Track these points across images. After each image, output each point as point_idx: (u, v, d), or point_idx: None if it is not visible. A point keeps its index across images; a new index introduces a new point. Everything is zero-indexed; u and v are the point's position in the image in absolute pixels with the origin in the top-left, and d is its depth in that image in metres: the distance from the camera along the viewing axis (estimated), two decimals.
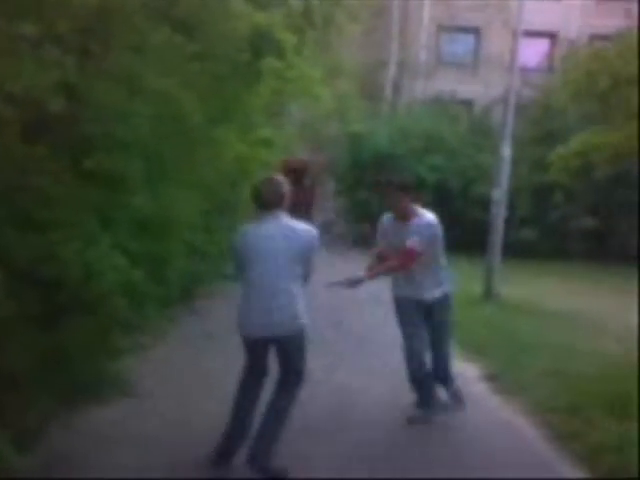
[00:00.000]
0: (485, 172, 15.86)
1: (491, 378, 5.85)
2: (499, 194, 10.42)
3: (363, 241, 18.25)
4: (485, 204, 12.02)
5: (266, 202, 3.75)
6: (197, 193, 6.31)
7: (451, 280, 4.79)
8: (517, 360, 6.24)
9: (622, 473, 3.82)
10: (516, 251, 13.74)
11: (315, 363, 4.25)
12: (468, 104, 21.95)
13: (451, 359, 4.89)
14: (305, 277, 3.79)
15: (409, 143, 18.29)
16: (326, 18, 10.28)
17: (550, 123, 17.74)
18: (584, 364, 6.04)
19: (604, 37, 13.71)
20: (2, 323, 3.80)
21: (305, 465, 3.81)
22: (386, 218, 4.74)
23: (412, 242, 4.40)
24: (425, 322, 4.65)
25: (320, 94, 10.61)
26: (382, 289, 5.25)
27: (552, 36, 22.77)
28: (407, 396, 4.78)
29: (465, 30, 23.64)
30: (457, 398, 4.81)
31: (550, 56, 22.76)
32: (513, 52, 10.77)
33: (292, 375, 3.77)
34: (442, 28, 23.49)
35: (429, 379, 4.68)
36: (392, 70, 23.06)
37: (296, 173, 21.92)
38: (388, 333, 7.46)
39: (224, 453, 3.74)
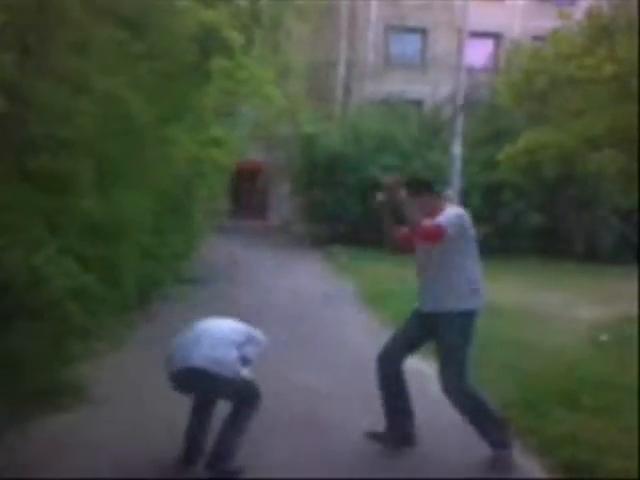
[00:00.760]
0: (437, 171, 16.07)
1: None
2: (451, 193, 10.56)
3: (320, 241, 18.32)
4: None
5: None
6: (148, 194, 6.17)
7: (475, 295, 4.00)
8: (473, 357, 6.28)
9: (578, 465, 3.87)
10: None
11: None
12: (417, 104, 22.21)
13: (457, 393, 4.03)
14: None
15: (361, 144, 18.39)
16: (274, 17, 10.23)
17: (498, 122, 18.06)
18: (538, 359, 6.14)
19: (546, 38, 14.02)
20: None
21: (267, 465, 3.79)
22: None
23: (441, 220, 3.77)
24: (426, 337, 4.12)
25: (271, 94, 10.56)
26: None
27: (496, 37, 23.26)
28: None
29: (412, 30, 23.93)
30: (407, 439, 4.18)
31: (495, 56, 23.23)
32: (459, 52, 10.95)
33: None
34: (390, 28, 23.72)
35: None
36: (341, 71, 23.15)
37: (250, 174, 21.85)
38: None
39: (188, 458, 3.73)
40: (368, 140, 18.46)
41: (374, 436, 4.17)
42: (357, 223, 17.70)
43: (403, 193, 3.83)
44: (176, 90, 6.95)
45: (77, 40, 4.99)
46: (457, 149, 10.48)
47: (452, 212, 3.90)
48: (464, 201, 12.55)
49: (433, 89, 21.11)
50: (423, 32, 23.89)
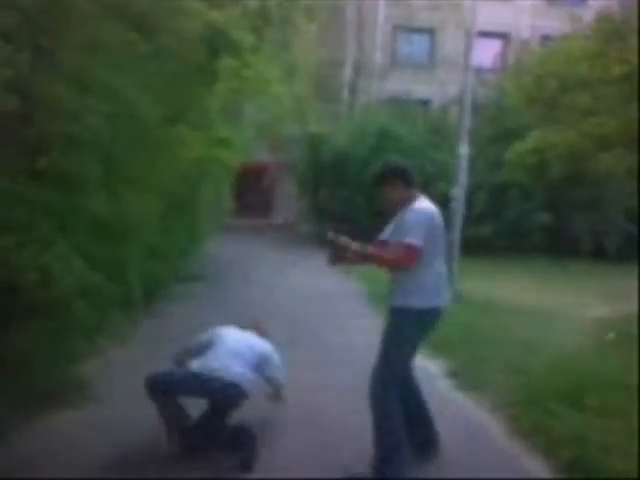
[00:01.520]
0: (443, 170, 16.04)
1: (453, 374, 5.90)
2: (458, 192, 10.55)
3: (326, 242, 18.31)
4: (444, 202, 12.13)
5: None
6: (155, 194, 6.21)
7: (433, 294, 3.69)
8: (478, 356, 6.31)
9: (583, 465, 3.87)
10: (474, 248, 13.93)
11: None
12: (425, 104, 22.20)
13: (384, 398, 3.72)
14: None
15: (368, 143, 18.38)
16: (283, 17, 10.24)
17: (505, 122, 18.05)
18: (544, 358, 6.13)
19: (555, 38, 14.02)
20: None
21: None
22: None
23: (412, 238, 3.56)
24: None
25: (278, 94, 10.57)
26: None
27: (504, 37, 23.21)
28: None
29: (420, 31, 23.90)
30: None
31: (503, 56, 23.19)
32: (467, 52, 10.93)
33: None
34: (397, 28, 23.70)
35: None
36: (348, 70, 23.15)
37: (255, 174, 21.89)
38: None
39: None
40: (374, 140, 18.45)
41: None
42: (363, 223, 17.70)
43: (352, 246, 3.70)
44: (184, 90, 6.99)
45: (88, 40, 5.03)
46: (464, 149, 10.46)
47: (420, 213, 3.66)
48: (471, 200, 12.53)
49: (440, 89, 21.11)
50: (431, 32, 23.86)
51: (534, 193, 17.76)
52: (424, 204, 3.75)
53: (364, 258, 3.73)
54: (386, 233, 3.92)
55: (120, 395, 4.81)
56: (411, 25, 23.38)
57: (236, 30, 7.55)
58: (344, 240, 3.76)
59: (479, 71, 16.24)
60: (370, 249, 3.71)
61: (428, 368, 6.07)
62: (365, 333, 7.04)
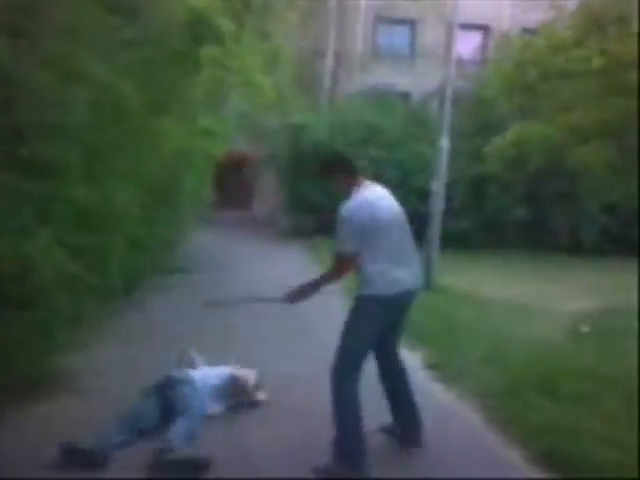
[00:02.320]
0: (423, 164, 16.10)
1: (432, 366, 5.97)
2: (438, 185, 10.60)
3: (305, 233, 18.33)
4: (424, 195, 12.20)
5: None
6: (137, 184, 6.16)
7: (380, 284, 3.67)
8: (457, 348, 6.38)
9: (558, 454, 3.95)
10: (454, 241, 14.03)
11: None
12: (405, 96, 22.23)
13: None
14: None
15: (348, 135, 18.37)
16: (265, 4, 10.17)
17: (485, 115, 18.15)
18: (521, 349, 6.23)
19: (535, 30, 14.09)
20: None
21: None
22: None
23: (339, 245, 3.65)
24: None
25: (261, 84, 10.51)
26: None
27: (485, 29, 23.30)
28: None
29: (401, 22, 23.91)
30: None
31: (484, 49, 23.29)
32: (449, 44, 10.97)
33: None
34: (379, 19, 23.67)
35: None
36: (330, 61, 23.10)
37: (236, 165, 21.78)
38: None
39: None
40: (355, 132, 18.46)
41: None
42: None
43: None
44: (166, 78, 6.91)
45: (68, 25, 4.95)
46: (444, 142, 10.50)
47: (348, 210, 3.64)
48: (450, 193, 12.60)
49: (421, 81, 21.14)
50: (412, 23, 23.88)
51: (513, 187, 17.91)
52: (364, 193, 3.73)
53: (317, 287, 3.90)
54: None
55: (100, 388, 4.77)
56: (392, 16, 23.38)
57: (218, 17, 7.47)
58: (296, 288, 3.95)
59: (459, 63, 16.29)
60: (312, 280, 3.90)
61: (408, 360, 6.13)
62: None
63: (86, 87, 4.87)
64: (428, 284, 10.37)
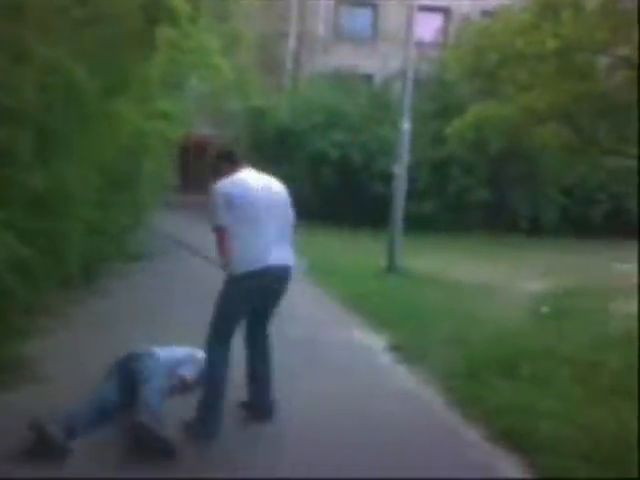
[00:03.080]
0: (386, 146, 16.13)
1: (396, 348, 5.99)
2: (400, 168, 10.62)
3: None
4: (387, 178, 12.23)
5: None
6: (93, 167, 6.01)
7: (243, 261, 3.82)
8: (420, 330, 6.43)
9: (516, 432, 4.01)
10: (417, 224, 14.11)
11: None
12: (368, 78, 22.20)
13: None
14: None
15: (311, 118, 18.29)
16: None
17: (446, 97, 18.24)
18: (483, 331, 6.30)
19: (494, 13, 14.18)
20: None
21: None
22: None
23: (210, 219, 3.93)
24: None
25: (219, 65, 10.35)
26: None
27: (445, 11, 23.35)
28: None
29: (363, 4, 23.82)
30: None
31: (444, 31, 23.35)
32: (409, 27, 10.92)
33: None
34: (341, 1, 23.54)
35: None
36: (292, 43, 22.91)
37: (199, 149, 21.48)
38: None
39: None
40: (318, 115, 18.38)
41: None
42: (307, 199, 17.69)
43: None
44: (121, 60, 6.74)
45: (17, 4, 4.77)
46: (406, 124, 10.50)
47: (216, 190, 3.92)
48: (413, 176, 12.65)
49: (383, 63, 21.12)
50: (374, 6, 23.81)
51: (474, 169, 18.09)
52: (240, 175, 4.05)
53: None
54: None
55: (59, 376, 4.67)
56: None
57: None
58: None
59: (420, 46, 16.30)
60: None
61: (371, 342, 6.18)
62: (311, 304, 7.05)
63: (36, 69, 4.71)
64: (392, 267, 10.43)
